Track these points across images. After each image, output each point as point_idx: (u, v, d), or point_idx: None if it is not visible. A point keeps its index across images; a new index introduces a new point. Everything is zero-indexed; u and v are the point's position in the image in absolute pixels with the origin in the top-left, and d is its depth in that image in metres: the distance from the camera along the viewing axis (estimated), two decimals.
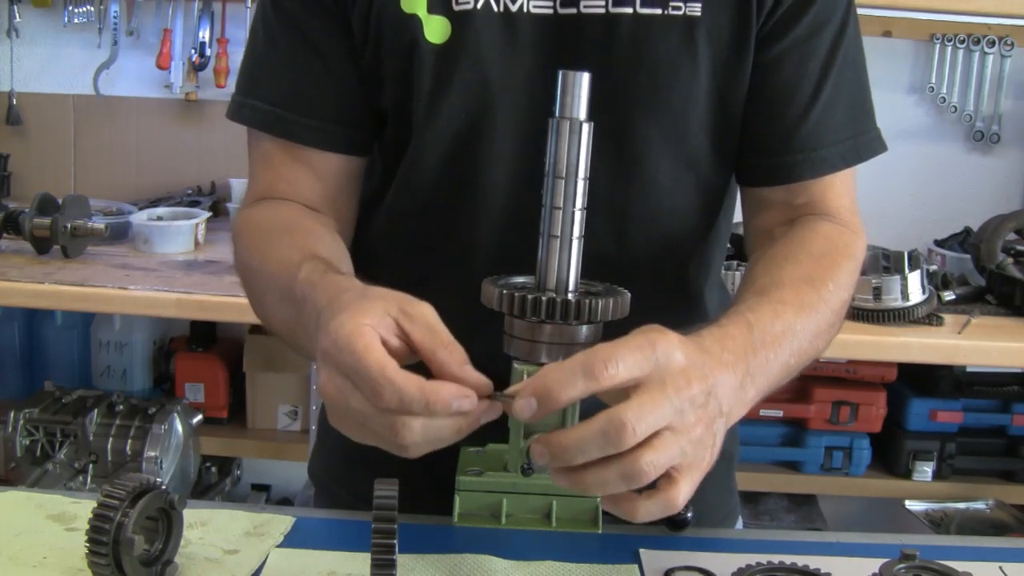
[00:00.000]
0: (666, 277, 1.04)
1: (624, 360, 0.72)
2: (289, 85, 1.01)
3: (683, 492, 0.75)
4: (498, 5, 0.95)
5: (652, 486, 0.74)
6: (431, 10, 0.95)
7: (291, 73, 1.01)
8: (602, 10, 0.95)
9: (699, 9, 0.95)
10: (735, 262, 2.22)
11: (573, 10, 0.96)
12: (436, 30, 0.96)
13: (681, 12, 0.95)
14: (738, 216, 1.12)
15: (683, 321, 1.06)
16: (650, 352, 0.73)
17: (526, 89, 0.97)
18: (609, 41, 0.95)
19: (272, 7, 1.01)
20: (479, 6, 0.95)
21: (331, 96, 1.01)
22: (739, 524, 1.24)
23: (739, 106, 1.00)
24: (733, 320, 0.85)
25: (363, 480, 1.12)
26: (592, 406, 0.82)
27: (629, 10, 0.95)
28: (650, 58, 0.95)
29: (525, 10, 0.96)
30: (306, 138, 1.02)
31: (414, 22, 0.95)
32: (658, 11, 0.95)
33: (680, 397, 0.73)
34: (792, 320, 0.88)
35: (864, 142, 1.03)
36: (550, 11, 0.96)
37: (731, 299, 1.20)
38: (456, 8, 0.95)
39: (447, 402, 0.73)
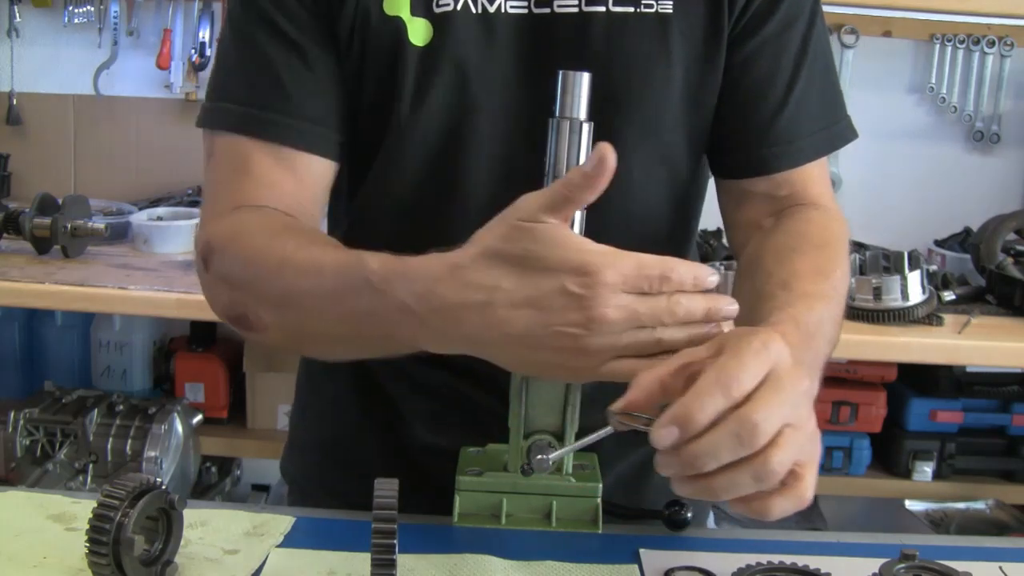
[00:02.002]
0: None
1: (752, 371, 0.71)
2: (270, 86, 0.97)
3: (810, 485, 0.74)
4: (476, 6, 0.96)
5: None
6: (414, 12, 0.95)
7: (270, 74, 0.97)
8: (575, 9, 0.96)
9: (671, 7, 0.96)
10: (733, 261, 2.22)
11: (547, 9, 0.96)
12: (419, 32, 0.96)
13: (653, 10, 0.96)
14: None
15: None
16: (766, 355, 0.72)
17: (504, 89, 0.97)
18: (582, 40, 0.96)
19: (245, 11, 0.98)
20: (459, 7, 0.95)
21: (315, 97, 0.98)
22: (711, 518, 1.25)
23: (712, 102, 1.02)
24: (780, 318, 0.85)
25: (338, 478, 1.13)
26: (594, 389, 0.82)
27: (602, 9, 0.96)
28: (623, 56, 0.96)
29: (502, 11, 0.96)
30: (294, 140, 0.97)
31: (398, 24, 0.95)
32: (631, 9, 0.96)
33: (796, 392, 0.73)
34: (821, 310, 0.89)
35: (837, 131, 1.06)
36: (525, 11, 0.96)
37: None
38: (437, 10, 0.95)
39: (708, 273, 0.78)
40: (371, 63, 0.98)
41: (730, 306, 0.80)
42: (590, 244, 0.76)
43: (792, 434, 0.72)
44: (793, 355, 0.79)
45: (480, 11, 0.96)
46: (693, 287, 0.77)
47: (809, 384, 0.79)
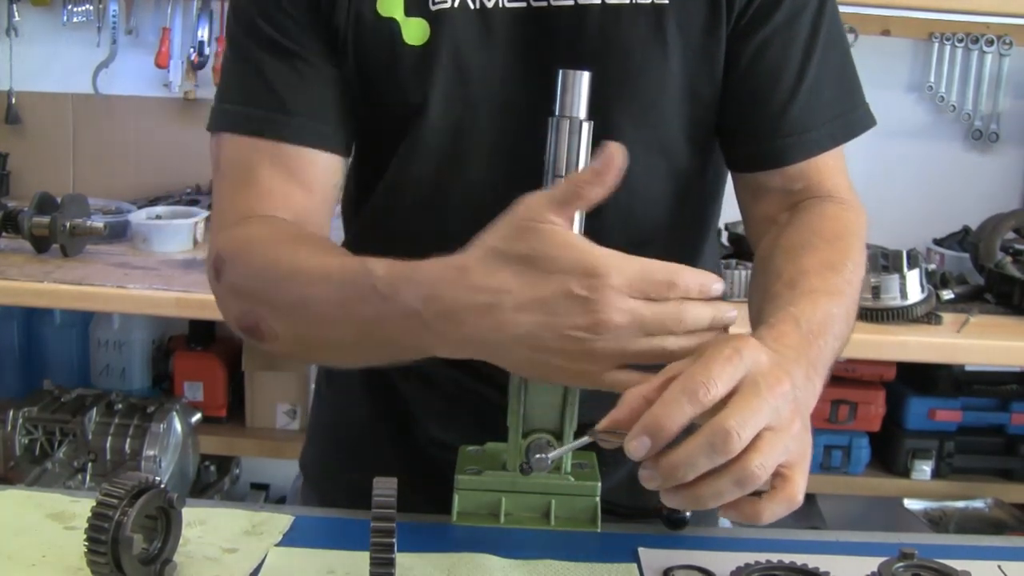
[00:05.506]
0: None
1: (721, 377, 0.72)
2: (265, 91, 0.97)
3: (799, 486, 0.75)
4: (475, 2, 0.95)
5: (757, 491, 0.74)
6: (408, 12, 0.95)
7: (265, 80, 0.97)
8: (571, 1, 0.96)
9: None
10: (734, 260, 2.22)
11: (544, 3, 0.96)
12: (414, 32, 0.96)
13: (649, 1, 0.95)
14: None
15: None
16: (739, 361, 0.73)
17: (504, 85, 0.97)
18: (579, 32, 0.96)
19: (238, 22, 0.99)
20: (456, 5, 0.95)
21: (309, 96, 0.98)
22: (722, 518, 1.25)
23: (713, 93, 1.01)
24: (779, 318, 0.85)
25: (351, 471, 1.13)
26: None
27: (597, 1, 0.95)
28: (620, 48, 0.96)
29: (500, 6, 0.96)
30: (292, 136, 0.96)
31: (392, 25, 0.95)
32: (626, 0, 0.95)
33: (774, 395, 0.73)
34: (828, 306, 0.88)
35: (854, 119, 1.04)
36: (523, 5, 0.96)
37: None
38: (433, 8, 0.95)
39: (712, 280, 0.79)
40: (368, 65, 0.98)
41: (730, 313, 0.81)
42: (597, 247, 0.76)
43: (772, 437, 0.72)
44: (788, 355, 0.79)
45: (478, 7, 0.96)
46: (699, 294, 0.78)
47: (805, 383, 0.79)
